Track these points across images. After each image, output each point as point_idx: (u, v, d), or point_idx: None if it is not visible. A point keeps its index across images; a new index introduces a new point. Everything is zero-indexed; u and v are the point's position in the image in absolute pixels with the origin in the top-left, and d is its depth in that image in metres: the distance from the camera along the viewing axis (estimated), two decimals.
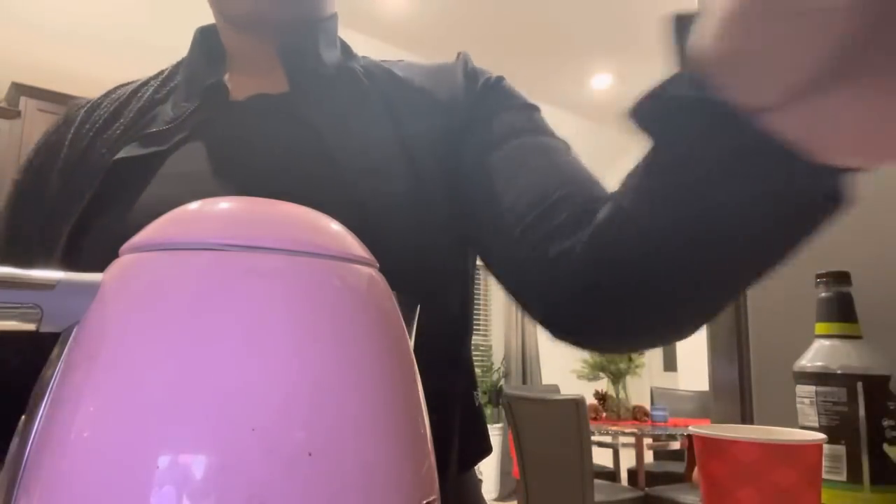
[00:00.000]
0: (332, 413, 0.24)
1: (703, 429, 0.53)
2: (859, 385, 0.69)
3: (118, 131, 0.61)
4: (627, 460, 4.23)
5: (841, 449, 0.69)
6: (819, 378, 0.72)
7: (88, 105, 0.66)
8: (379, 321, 0.27)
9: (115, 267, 0.27)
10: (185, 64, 0.67)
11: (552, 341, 0.56)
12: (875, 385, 0.70)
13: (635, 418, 4.05)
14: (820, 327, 0.75)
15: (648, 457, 4.38)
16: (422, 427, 0.28)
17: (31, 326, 0.25)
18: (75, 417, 0.23)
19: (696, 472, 0.55)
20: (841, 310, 0.75)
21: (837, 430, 0.69)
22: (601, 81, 4.95)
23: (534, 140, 0.64)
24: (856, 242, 0.99)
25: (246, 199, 0.29)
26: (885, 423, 0.69)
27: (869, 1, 0.23)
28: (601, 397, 4.19)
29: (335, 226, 0.29)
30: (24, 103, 3.50)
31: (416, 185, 0.57)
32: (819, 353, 0.73)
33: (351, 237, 0.30)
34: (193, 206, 0.28)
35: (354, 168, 0.56)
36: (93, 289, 0.26)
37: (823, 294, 0.76)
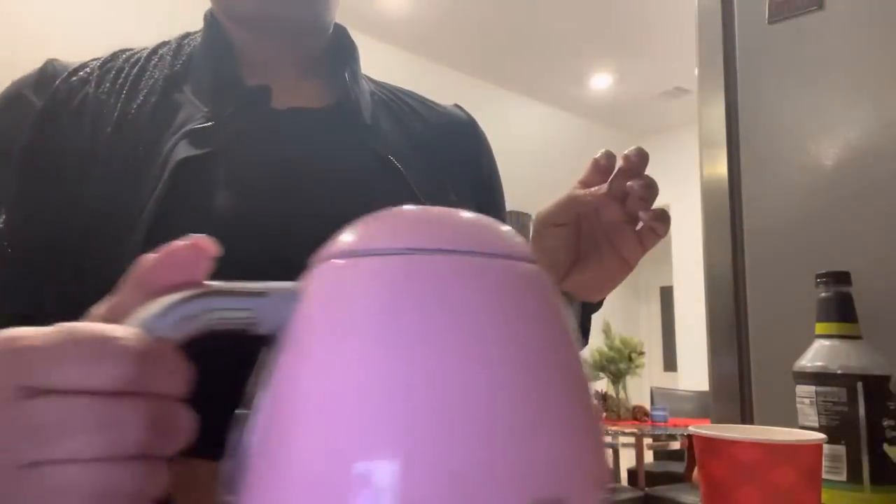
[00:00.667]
0: (532, 407, 0.26)
1: (702, 429, 0.53)
2: (859, 385, 0.69)
3: (152, 94, 0.59)
4: (627, 460, 4.23)
5: (841, 449, 0.69)
6: (819, 378, 0.72)
7: (95, 73, 0.62)
8: (557, 316, 0.29)
9: (314, 274, 0.29)
10: (201, 49, 0.65)
11: None
12: (875, 385, 0.70)
13: (635, 418, 4.05)
14: (820, 327, 0.75)
15: (648, 457, 4.38)
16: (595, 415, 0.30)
17: (250, 329, 0.28)
18: (293, 413, 0.26)
19: (695, 472, 0.55)
20: (841, 310, 0.75)
21: (837, 430, 0.69)
22: (601, 81, 4.95)
23: None
24: (856, 242, 0.99)
25: (418, 207, 0.32)
26: (885, 423, 0.69)
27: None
28: (601, 397, 4.19)
29: (503, 227, 0.31)
30: None
31: None
32: (819, 353, 0.73)
33: (518, 236, 0.31)
34: (376, 216, 0.31)
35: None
36: (297, 295, 0.28)
37: (823, 294, 0.76)
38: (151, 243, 0.50)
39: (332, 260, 0.29)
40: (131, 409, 0.25)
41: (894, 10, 1.01)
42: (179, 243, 0.30)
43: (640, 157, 0.59)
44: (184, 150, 0.56)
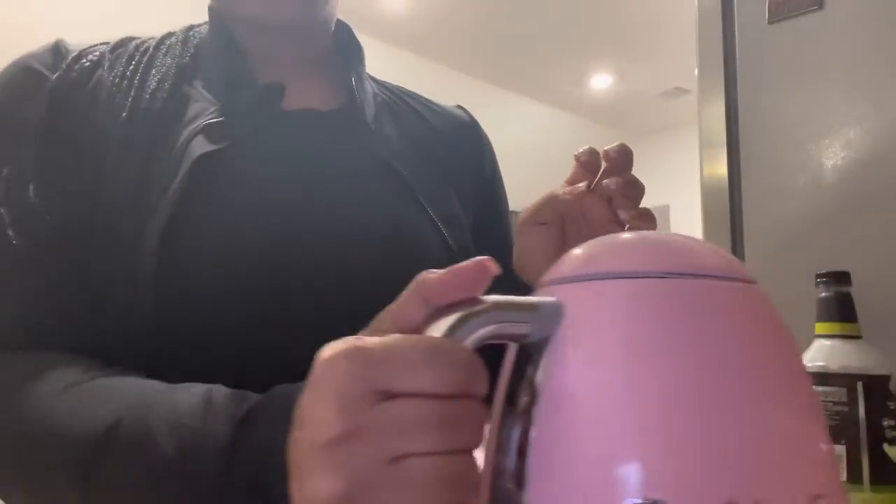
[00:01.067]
0: (785, 416, 0.30)
1: None
2: (859, 385, 0.69)
3: (165, 81, 0.59)
4: None
5: (841, 449, 0.69)
6: (819, 378, 0.72)
7: (107, 56, 0.61)
8: (782, 331, 0.33)
9: (573, 292, 0.33)
10: (209, 44, 0.65)
11: None
12: (875, 385, 0.70)
13: None
14: (820, 327, 0.75)
15: None
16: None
17: (521, 340, 0.32)
18: (573, 416, 0.29)
19: None
20: (841, 310, 0.75)
21: (837, 430, 0.69)
22: (601, 81, 4.95)
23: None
24: (856, 242, 0.99)
25: (643, 232, 0.36)
26: (885, 423, 0.69)
27: None
28: None
29: (721, 249, 0.35)
30: None
31: (462, 253, 0.65)
32: (819, 353, 0.73)
33: (735, 259, 0.35)
34: (621, 240, 0.35)
35: (433, 211, 0.65)
36: (561, 311, 0.32)
37: (823, 294, 0.76)
38: (170, 237, 0.52)
39: (589, 281, 0.33)
40: (466, 409, 0.29)
41: (894, 10, 1.01)
42: (468, 263, 0.32)
43: (622, 155, 0.56)
44: (200, 146, 0.56)
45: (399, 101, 0.74)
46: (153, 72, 0.61)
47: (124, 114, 0.57)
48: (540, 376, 0.31)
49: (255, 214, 0.56)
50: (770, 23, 1.13)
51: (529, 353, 0.33)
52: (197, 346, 0.52)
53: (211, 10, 0.67)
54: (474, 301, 0.31)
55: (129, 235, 0.53)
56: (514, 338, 0.32)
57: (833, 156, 1.04)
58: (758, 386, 0.30)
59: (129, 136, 0.56)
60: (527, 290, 0.37)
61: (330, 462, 0.27)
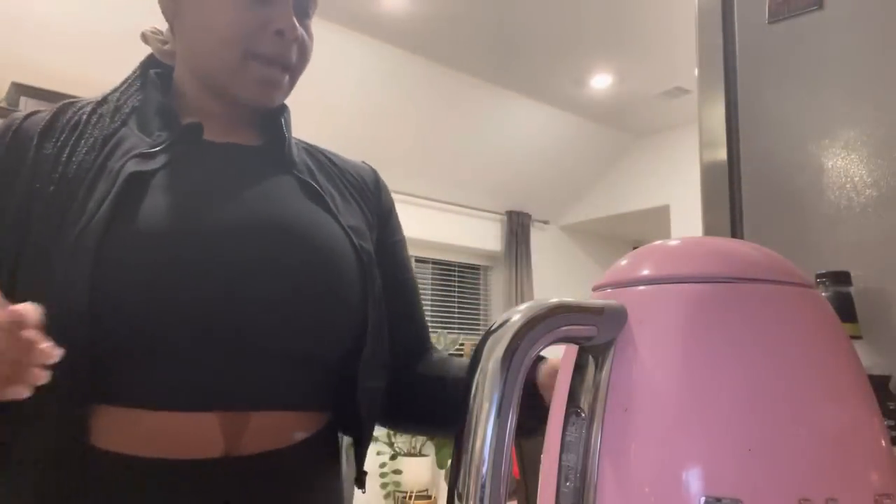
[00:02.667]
0: (849, 416, 0.32)
1: None
2: None
3: (91, 152, 0.70)
4: None
5: None
6: None
7: (41, 126, 0.73)
8: (838, 331, 0.34)
9: (636, 296, 0.34)
10: (143, 99, 0.78)
11: None
12: (875, 385, 0.70)
13: None
14: None
15: None
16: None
17: (586, 342, 0.33)
18: (639, 416, 0.31)
19: None
20: (841, 310, 0.75)
21: None
22: (601, 81, 4.95)
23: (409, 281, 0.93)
24: (856, 242, 0.99)
25: (703, 238, 0.37)
26: (885, 423, 0.69)
27: None
28: None
29: (778, 255, 0.36)
30: (24, 103, 3.49)
31: (367, 256, 0.79)
32: None
33: (792, 264, 0.36)
34: (674, 247, 0.36)
35: (314, 232, 0.76)
36: (624, 315, 0.33)
37: (823, 294, 0.76)
38: (105, 246, 0.63)
39: (652, 286, 0.34)
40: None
41: (894, 10, 1.01)
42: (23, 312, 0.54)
43: None
44: (133, 166, 0.69)
45: (315, 150, 0.89)
46: (81, 145, 0.71)
47: (52, 187, 0.68)
48: (605, 378, 0.32)
49: (174, 221, 0.68)
50: (770, 23, 1.13)
51: (592, 356, 0.34)
52: (124, 329, 0.65)
53: (150, 74, 0.81)
54: (541, 305, 0.32)
55: (68, 240, 0.64)
56: (579, 340, 0.33)
57: (833, 156, 1.04)
58: (821, 386, 0.31)
59: (51, 202, 0.67)
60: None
61: None
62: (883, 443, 0.32)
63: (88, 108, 0.76)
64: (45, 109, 0.75)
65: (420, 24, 4.17)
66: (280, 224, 0.73)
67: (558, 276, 6.23)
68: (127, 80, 0.82)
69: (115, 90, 0.79)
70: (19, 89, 3.48)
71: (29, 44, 3.51)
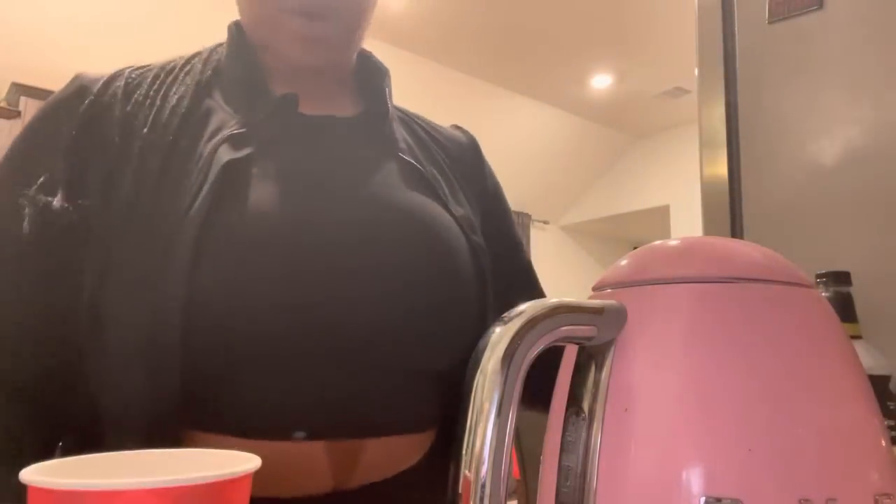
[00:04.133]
0: (849, 416, 0.32)
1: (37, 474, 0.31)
2: None
3: (175, 128, 0.61)
4: None
5: None
6: None
7: (122, 89, 0.63)
8: (839, 332, 0.35)
9: (636, 296, 0.34)
10: (228, 60, 0.68)
11: None
12: (875, 385, 0.70)
13: None
14: None
15: None
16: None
17: (585, 342, 0.33)
18: (639, 416, 0.31)
19: None
20: (841, 310, 0.75)
21: None
22: (601, 81, 4.95)
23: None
24: (856, 242, 0.99)
25: (702, 238, 0.37)
26: (886, 423, 0.69)
27: None
28: None
29: (778, 255, 0.36)
30: (24, 103, 3.49)
31: (480, 250, 0.67)
32: None
33: (792, 264, 0.36)
34: (669, 245, 0.36)
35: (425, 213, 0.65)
36: (624, 314, 0.33)
37: (823, 294, 0.76)
38: (202, 242, 0.53)
39: (651, 286, 0.34)
40: None
41: (894, 10, 1.01)
42: None
43: None
44: (226, 154, 0.58)
45: (409, 119, 0.78)
46: (173, 90, 0.64)
47: (145, 129, 0.60)
48: (605, 378, 0.32)
49: (283, 216, 0.58)
50: (770, 23, 1.13)
51: (592, 356, 0.34)
52: (222, 339, 0.54)
53: (232, 27, 0.70)
54: (541, 305, 0.32)
55: (162, 243, 0.54)
56: (579, 340, 0.33)
57: (833, 155, 1.04)
58: (822, 386, 0.31)
59: (147, 149, 0.59)
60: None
61: None
62: (883, 443, 0.32)
63: (181, 62, 0.67)
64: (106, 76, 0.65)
65: (420, 24, 4.17)
66: (394, 219, 0.62)
67: (558, 276, 6.23)
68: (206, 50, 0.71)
69: (190, 56, 0.69)
70: (19, 89, 3.48)
71: (29, 44, 3.51)
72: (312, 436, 0.54)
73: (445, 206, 0.67)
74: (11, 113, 3.47)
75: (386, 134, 0.70)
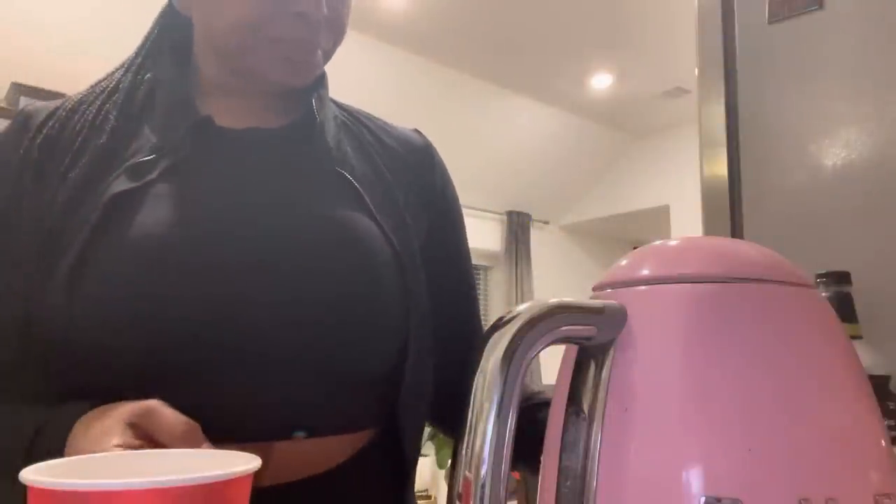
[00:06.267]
0: (849, 416, 0.32)
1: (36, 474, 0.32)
2: None
3: (96, 157, 0.63)
4: None
5: None
6: None
7: (46, 121, 0.66)
8: (838, 331, 0.35)
9: (636, 296, 0.34)
10: (157, 78, 0.69)
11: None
12: (875, 385, 0.70)
13: None
14: None
15: None
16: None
17: (585, 342, 0.33)
18: (639, 415, 0.31)
19: None
20: (841, 310, 0.75)
21: None
22: (601, 81, 4.95)
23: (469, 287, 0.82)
24: (856, 242, 0.99)
25: (702, 238, 0.37)
26: (886, 423, 0.69)
27: None
28: None
29: (778, 255, 0.35)
30: (24, 103, 3.49)
31: (407, 256, 0.68)
32: None
33: (793, 264, 0.36)
34: (669, 245, 0.36)
35: (350, 226, 0.65)
36: (624, 314, 0.33)
37: (823, 294, 0.76)
38: (77, 271, 0.56)
39: (652, 286, 0.34)
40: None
41: (894, 10, 1.01)
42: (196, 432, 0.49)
43: None
44: (119, 185, 0.60)
45: (357, 122, 0.77)
46: (93, 134, 0.64)
47: (71, 174, 0.62)
48: (605, 378, 0.33)
49: (162, 246, 0.58)
50: (770, 23, 1.13)
51: (592, 356, 0.34)
52: (101, 372, 0.57)
53: (165, 41, 0.71)
54: (541, 305, 0.32)
55: (45, 269, 0.58)
56: (579, 340, 0.33)
57: (833, 156, 1.04)
58: (821, 386, 0.31)
59: (57, 195, 0.61)
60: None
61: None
62: (883, 443, 0.32)
63: (95, 107, 0.67)
64: (50, 107, 0.67)
65: (419, 23, 4.17)
66: (306, 227, 0.63)
67: (558, 276, 6.23)
68: (137, 51, 0.72)
69: (124, 67, 0.70)
70: (19, 89, 3.48)
71: (29, 44, 3.51)
72: (246, 439, 0.56)
73: (373, 217, 0.67)
74: (11, 113, 3.47)
75: (315, 143, 0.69)
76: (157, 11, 0.75)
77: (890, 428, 0.69)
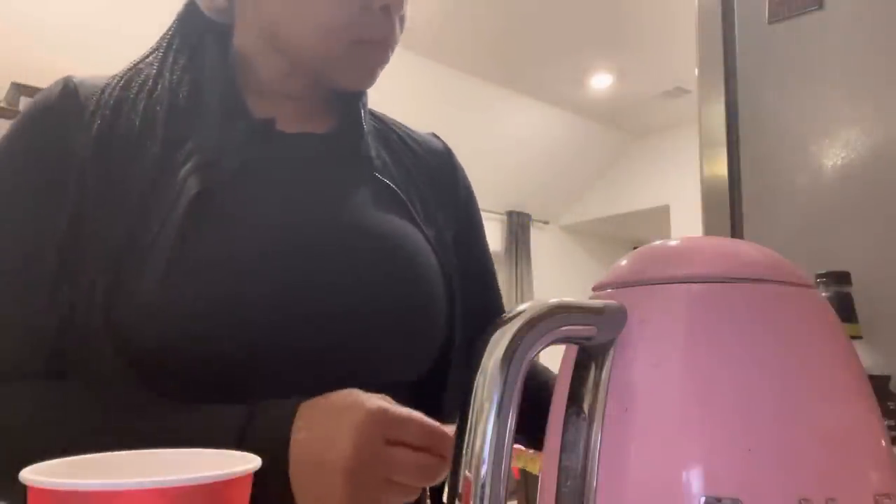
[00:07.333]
0: (849, 416, 0.32)
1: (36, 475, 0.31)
2: None
3: (155, 160, 0.60)
4: None
5: None
6: None
7: (95, 105, 0.61)
8: (839, 330, 0.35)
9: (636, 296, 0.34)
10: (197, 78, 0.65)
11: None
12: (875, 385, 0.70)
13: None
14: None
15: None
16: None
17: (585, 342, 0.33)
18: (639, 415, 0.31)
19: None
20: (841, 310, 0.75)
21: None
22: (601, 81, 4.95)
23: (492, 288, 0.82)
24: (856, 242, 0.99)
25: (703, 238, 0.36)
26: (886, 423, 0.69)
27: None
28: None
29: (778, 255, 0.35)
30: (24, 103, 3.50)
31: (450, 276, 0.69)
32: None
33: (793, 264, 0.36)
34: (683, 244, 0.36)
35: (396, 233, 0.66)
36: (624, 314, 0.33)
37: (823, 294, 0.76)
38: (171, 275, 0.54)
39: (652, 285, 0.34)
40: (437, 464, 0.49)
41: (894, 10, 1.01)
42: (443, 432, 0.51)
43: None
44: (195, 184, 0.58)
45: (385, 127, 0.76)
46: (150, 113, 0.61)
47: (123, 156, 0.59)
48: (605, 378, 0.33)
49: (250, 249, 0.58)
50: (770, 23, 1.13)
51: (592, 356, 0.34)
52: (195, 374, 0.55)
53: (211, 38, 0.67)
54: (541, 305, 0.32)
55: (131, 274, 0.55)
56: (579, 340, 0.33)
57: (833, 156, 1.04)
58: (822, 386, 0.31)
59: (125, 179, 0.58)
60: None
61: (346, 482, 0.47)
62: (883, 443, 0.32)
63: (154, 74, 0.64)
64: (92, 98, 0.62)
65: (419, 24, 4.17)
66: (363, 236, 0.63)
67: (558, 276, 6.23)
68: (165, 45, 0.68)
69: (157, 62, 0.66)
70: (19, 89, 3.48)
71: (29, 44, 3.51)
72: None
73: (418, 227, 0.68)
74: (11, 113, 3.47)
75: (361, 151, 0.69)
76: (157, 11, 0.73)
77: (890, 428, 0.69)
